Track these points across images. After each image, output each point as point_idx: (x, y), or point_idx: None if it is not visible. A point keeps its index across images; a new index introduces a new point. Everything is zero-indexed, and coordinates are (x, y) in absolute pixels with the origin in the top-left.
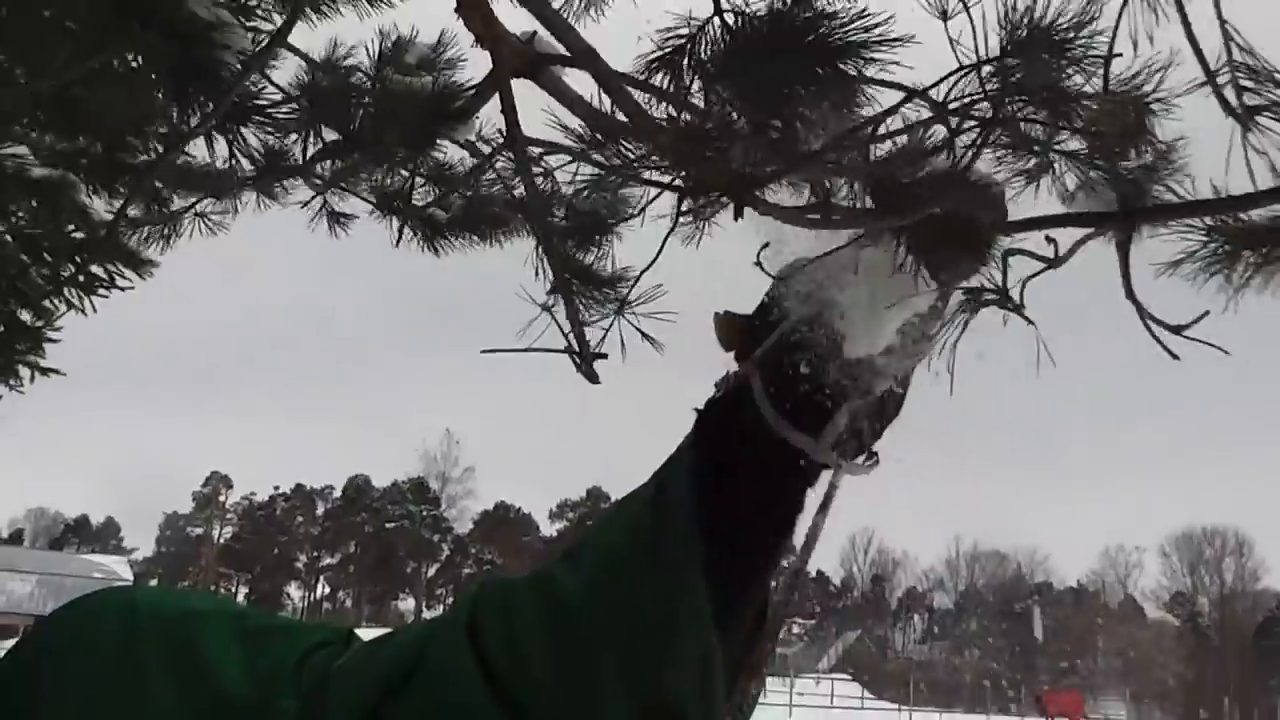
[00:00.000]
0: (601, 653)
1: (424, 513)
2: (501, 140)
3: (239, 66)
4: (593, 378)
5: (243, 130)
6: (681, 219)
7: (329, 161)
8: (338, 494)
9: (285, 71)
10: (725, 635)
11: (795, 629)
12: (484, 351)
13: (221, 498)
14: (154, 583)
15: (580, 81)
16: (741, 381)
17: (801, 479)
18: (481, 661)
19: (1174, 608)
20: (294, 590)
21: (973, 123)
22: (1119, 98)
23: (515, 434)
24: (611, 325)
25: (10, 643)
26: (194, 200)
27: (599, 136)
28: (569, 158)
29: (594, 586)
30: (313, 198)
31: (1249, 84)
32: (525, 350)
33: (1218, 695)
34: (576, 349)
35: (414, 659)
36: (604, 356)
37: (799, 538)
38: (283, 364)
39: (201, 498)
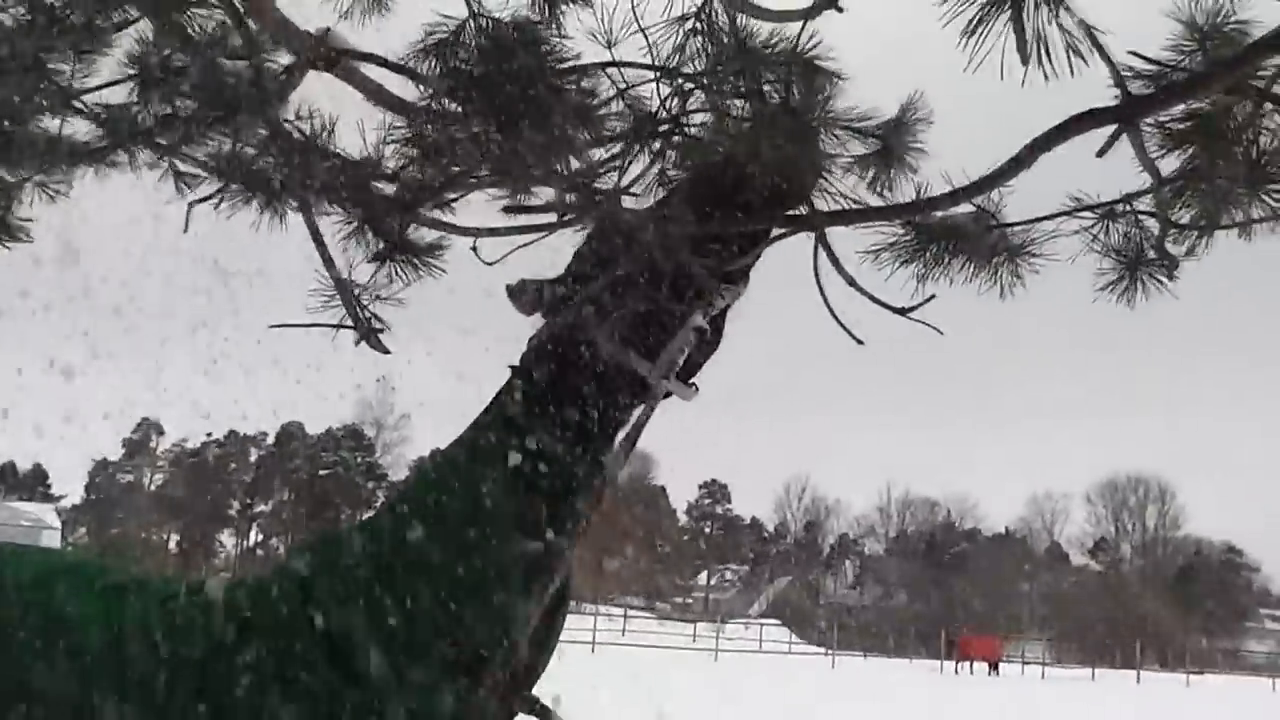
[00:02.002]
0: (419, 603)
1: (358, 460)
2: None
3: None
4: (381, 348)
5: (78, 102)
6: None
7: (171, 131)
8: (271, 441)
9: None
10: (537, 573)
11: (728, 575)
12: (271, 326)
13: (153, 444)
14: (82, 531)
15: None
16: (568, 325)
17: (628, 406)
18: (312, 612)
19: (1097, 553)
20: (226, 538)
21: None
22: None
23: (450, 382)
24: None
25: None
26: (32, 173)
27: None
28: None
29: (412, 542)
30: (158, 159)
31: None
32: (310, 325)
33: (1134, 638)
34: (362, 325)
35: (251, 608)
36: (382, 330)
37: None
38: (210, 309)
39: (132, 444)
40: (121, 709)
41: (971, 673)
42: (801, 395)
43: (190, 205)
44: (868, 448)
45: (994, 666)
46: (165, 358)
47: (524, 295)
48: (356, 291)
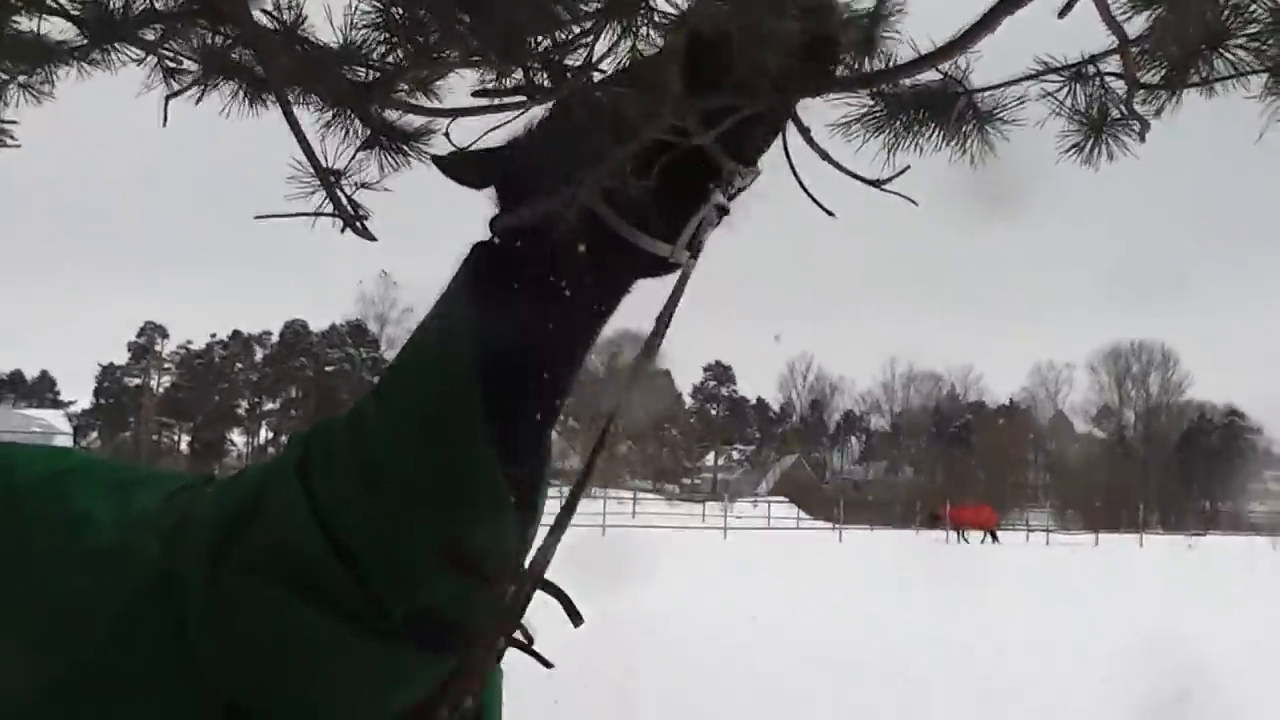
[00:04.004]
0: (405, 502)
1: (364, 355)
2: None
3: None
4: (367, 235)
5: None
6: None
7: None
8: (275, 339)
9: None
10: (522, 465)
11: (735, 455)
12: (257, 217)
13: (157, 347)
14: (94, 435)
15: None
16: (563, 207)
17: (623, 288)
18: (313, 504)
19: (1101, 421)
20: (237, 437)
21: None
22: None
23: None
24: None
25: None
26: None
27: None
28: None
29: (397, 437)
30: (145, 56)
31: None
32: (296, 215)
33: (1138, 503)
34: (345, 211)
35: (254, 501)
36: (366, 216)
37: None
38: (206, 210)
39: (137, 348)
40: (134, 603)
41: (966, 542)
42: (801, 279)
43: (166, 99)
44: (869, 326)
45: (992, 535)
46: (162, 258)
47: (466, 167)
48: (338, 179)
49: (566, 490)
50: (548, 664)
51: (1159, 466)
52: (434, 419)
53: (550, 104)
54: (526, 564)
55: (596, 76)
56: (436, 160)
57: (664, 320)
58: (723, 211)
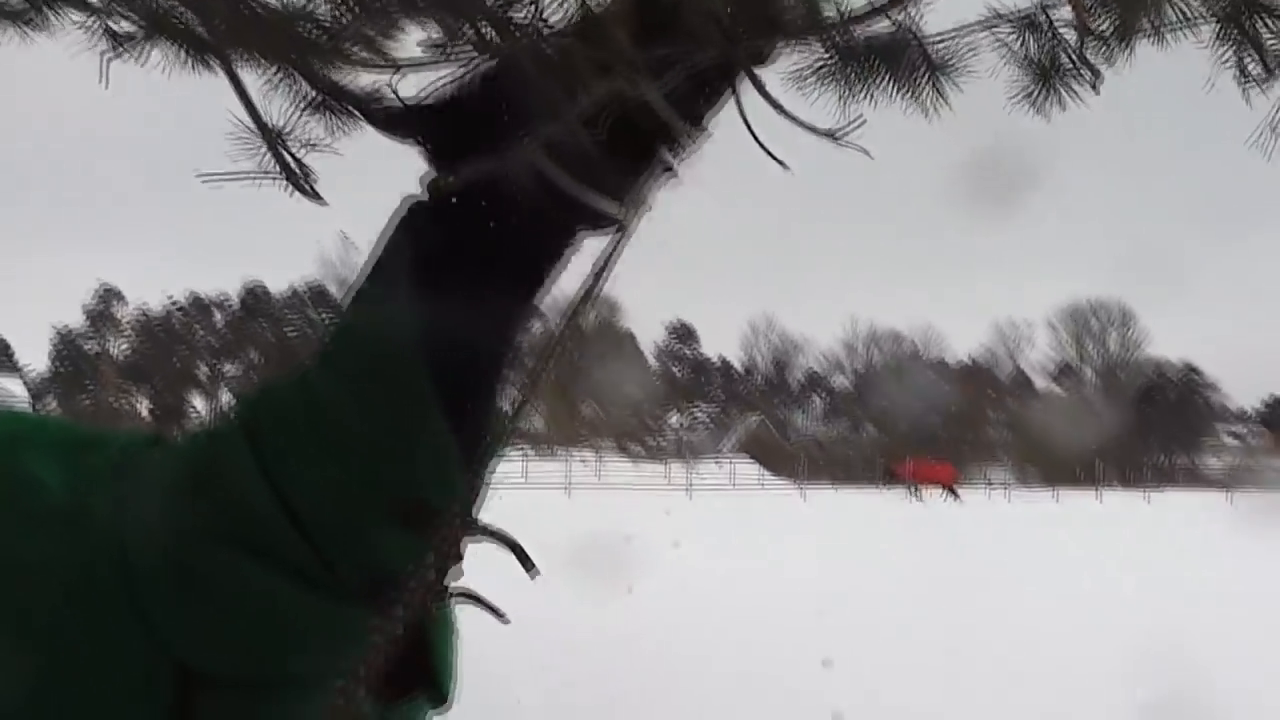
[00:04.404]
0: (354, 460)
1: (325, 318)
2: None
3: None
4: (315, 196)
5: None
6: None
7: None
8: (235, 302)
9: None
10: (471, 423)
11: (698, 415)
12: (199, 177)
13: (114, 311)
14: (51, 401)
15: None
16: (506, 159)
17: (565, 249)
18: (262, 465)
19: (1061, 379)
20: (198, 401)
21: None
22: None
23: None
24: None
25: None
26: None
27: None
28: None
29: (343, 397)
30: (89, 19)
31: None
32: (242, 176)
33: (1096, 459)
34: (290, 171)
35: (203, 463)
36: (314, 178)
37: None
38: (157, 170)
39: (94, 313)
40: (87, 565)
41: (920, 500)
42: (761, 235)
43: (105, 59)
44: (830, 285)
45: (952, 491)
46: (115, 223)
47: (398, 120)
48: (282, 139)
49: (527, 450)
50: (502, 616)
51: (1117, 422)
52: (379, 379)
53: (490, 59)
54: (466, 512)
55: (545, 30)
56: (365, 112)
57: (601, 274)
58: (669, 171)
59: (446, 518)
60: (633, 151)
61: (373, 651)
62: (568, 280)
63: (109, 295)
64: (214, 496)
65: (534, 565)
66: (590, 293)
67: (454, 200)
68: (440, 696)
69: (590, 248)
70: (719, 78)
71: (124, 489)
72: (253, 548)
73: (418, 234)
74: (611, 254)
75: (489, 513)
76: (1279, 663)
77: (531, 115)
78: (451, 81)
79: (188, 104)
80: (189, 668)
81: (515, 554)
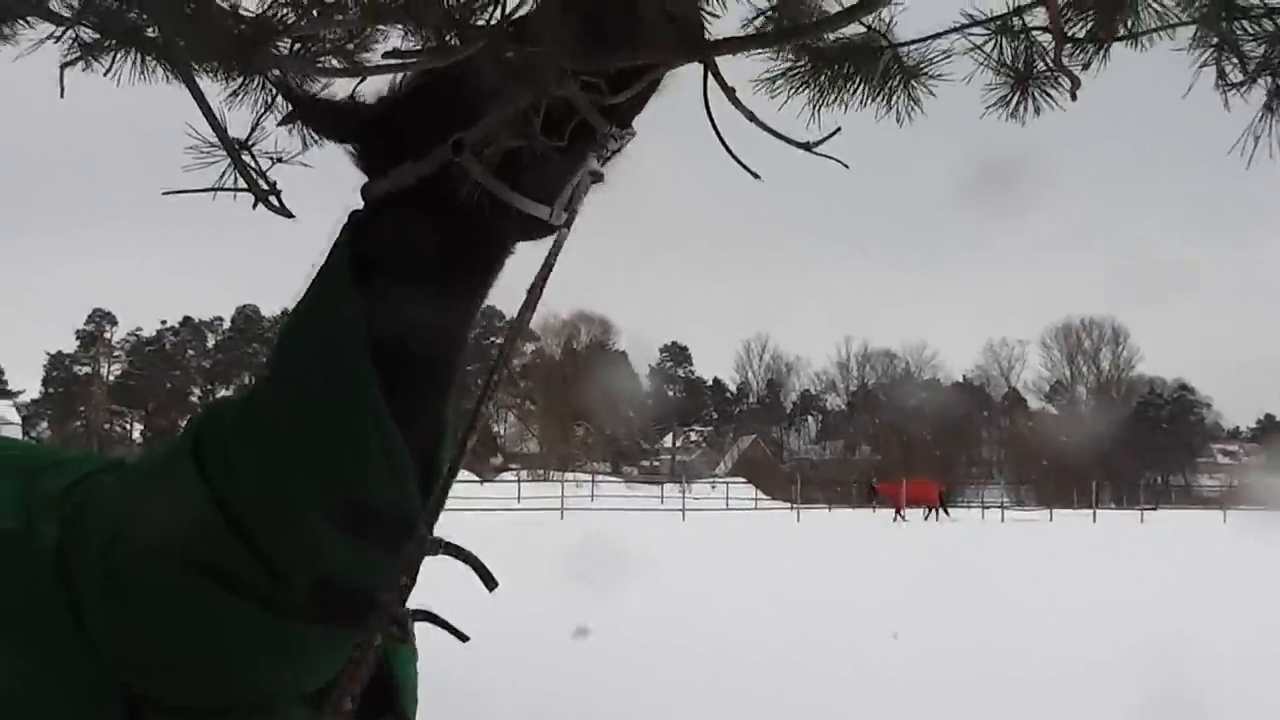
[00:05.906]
0: (298, 470)
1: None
2: None
3: None
4: (283, 211)
5: None
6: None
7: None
8: (227, 325)
9: None
10: (419, 430)
11: (693, 436)
12: (165, 193)
13: (106, 334)
14: (44, 425)
15: None
16: (437, 167)
17: (503, 251)
18: (208, 484)
19: (1054, 397)
20: None
21: None
22: None
23: None
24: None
25: None
26: None
27: None
28: None
29: (289, 410)
30: (63, 33)
31: None
32: (207, 190)
33: (1090, 477)
34: (254, 184)
35: (152, 484)
36: (278, 191)
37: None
38: (147, 193)
39: (86, 336)
40: (32, 584)
41: (905, 520)
42: (754, 256)
43: (62, 67)
44: (823, 305)
45: (939, 509)
46: (108, 246)
47: (326, 117)
48: (245, 149)
49: (521, 473)
50: (463, 636)
51: (1111, 441)
52: (326, 390)
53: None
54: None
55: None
56: (296, 101)
57: (540, 279)
58: (597, 176)
59: (400, 526)
60: (559, 156)
61: (335, 677)
62: (511, 287)
63: (102, 318)
64: (162, 516)
65: (494, 580)
66: (532, 299)
67: (388, 206)
68: (402, 719)
69: (531, 256)
70: (643, 82)
71: (73, 512)
72: (201, 564)
73: (356, 244)
74: (550, 258)
75: (451, 531)
76: (1272, 681)
77: (460, 121)
78: (381, 86)
79: (190, 117)
80: (138, 694)
81: (475, 569)
